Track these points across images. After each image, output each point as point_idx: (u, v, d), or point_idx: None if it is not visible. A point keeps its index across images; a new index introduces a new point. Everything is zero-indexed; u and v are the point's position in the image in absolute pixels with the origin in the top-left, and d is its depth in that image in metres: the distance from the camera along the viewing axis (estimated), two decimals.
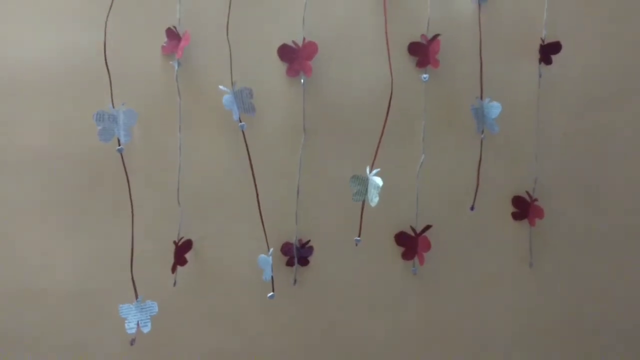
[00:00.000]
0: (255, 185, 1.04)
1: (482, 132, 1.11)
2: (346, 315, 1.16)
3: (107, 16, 0.97)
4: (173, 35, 1.02)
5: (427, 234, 1.12)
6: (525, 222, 1.17)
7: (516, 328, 1.21)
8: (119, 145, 0.98)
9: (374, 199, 0.99)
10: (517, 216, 1.17)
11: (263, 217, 1.05)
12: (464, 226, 1.16)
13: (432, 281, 1.17)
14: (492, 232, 1.18)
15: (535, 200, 1.15)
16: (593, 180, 1.19)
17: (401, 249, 1.14)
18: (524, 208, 1.16)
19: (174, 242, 1.06)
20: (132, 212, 1.02)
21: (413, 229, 1.13)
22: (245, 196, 1.06)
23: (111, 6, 0.97)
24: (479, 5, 1.09)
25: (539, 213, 1.15)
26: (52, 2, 1.00)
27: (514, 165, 1.16)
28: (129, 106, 1.00)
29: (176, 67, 1.02)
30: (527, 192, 1.16)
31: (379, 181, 0.98)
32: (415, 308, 1.18)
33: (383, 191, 0.99)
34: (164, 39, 1.02)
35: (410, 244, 1.13)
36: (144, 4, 1.02)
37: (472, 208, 1.14)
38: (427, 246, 1.12)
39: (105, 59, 0.97)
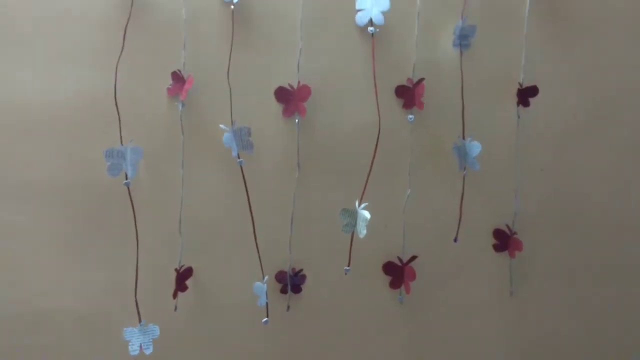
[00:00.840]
0: (252, 217, 1.07)
1: (464, 169, 1.13)
2: (337, 340, 1.17)
3: (118, 61, 1.01)
4: (178, 78, 1.05)
5: (413, 264, 1.14)
6: (506, 253, 1.18)
7: (497, 354, 1.23)
8: (126, 179, 1.01)
9: (362, 231, 1.02)
10: (498, 248, 1.18)
11: (259, 247, 1.08)
12: (448, 257, 1.18)
13: (418, 309, 1.19)
14: (474, 263, 1.19)
15: (515, 233, 1.17)
16: (569, 214, 1.21)
17: (388, 278, 1.16)
18: (504, 240, 1.18)
19: (176, 269, 1.08)
20: (137, 241, 1.04)
21: (400, 259, 1.14)
22: (243, 227, 1.08)
23: (122, 52, 1.01)
24: (461, 51, 1.11)
25: (519, 245, 1.16)
26: (68, 49, 1.03)
27: (495, 200, 1.17)
28: (136, 143, 1.03)
29: (180, 108, 1.05)
30: (507, 226, 1.17)
31: (367, 214, 1.01)
32: (402, 335, 1.19)
33: (371, 223, 1.01)
34: (169, 81, 1.05)
35: (397, 273, 1.15)
36: (151, 50, 1.05)
37: (455, 240, 1.16)
38: (413, 276, 1.14)
39: (115, 100, 1.01)
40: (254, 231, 1.08)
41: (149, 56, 1.05)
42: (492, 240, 1.19)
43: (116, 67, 1.01)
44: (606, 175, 1.21)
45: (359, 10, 1.08)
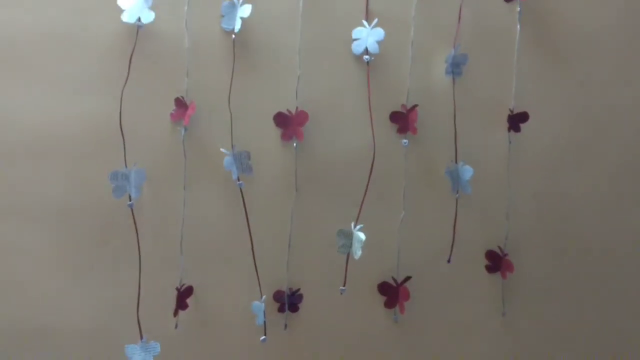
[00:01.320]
0: (251, 238, 1.10)
1: (457, 192, 1.15)
2: (333, 358, 1.18)
3: (123, 87, 1.04)
4: (181, 104, 1.08)
5: (407, 284, 1.16)
6: (498, 274, 1.20)
7: None
8: (130, 200, 1.04)
9: (357, 252, 1.03)
10: (490, 269, 1.20)
11: (257, 267, 1.10)
12: (441, 278, 1.19)
13: (413, 328, 1.20)
14: (467, 284, 1.21)
15: (506, 255, 1.19)
16: (560, 236, 1.23)
17: (383, 298, 1.17)
18: (496, 262, 1.20)
19: (176, 288, 1.10)
20: (140, 260, 1.06)
21: (394, 280, 1.16)
22: (242, 247, 1.10)
23: (127, 79, 1.04)
24: (453, 79, 1.15)
25: (510, 267, 1.18)
26: (76, 75, 1.06)
27: (487, 223, 1.19)
28: (140, 166, 1.06)
29: (183, 132, 1.08)
30: (499, 247, 1.19)
31: (362, 236, 1.03)
32: (397, 353, 1.20)
33: (367, 243, 1.03)
34: (172, 107, 1.08)
35: (392, 293, 1.16)
36: (156, 77, 1.08)
37: (448, 261, 1.18)
38: (407, 296, 1.16)
39: (121, 125, 1.04)
40: (253, 251, 1.10)
41: (153, 83, 1.09)
42: (485, 262, 1.21)
43: (122, 93, 1.05)
44: (595, 199, 1.23)
45: (355, 40, 1.12)
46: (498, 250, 1.20)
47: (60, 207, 1.09)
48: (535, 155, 1.21)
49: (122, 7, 1.04)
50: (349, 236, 1.07)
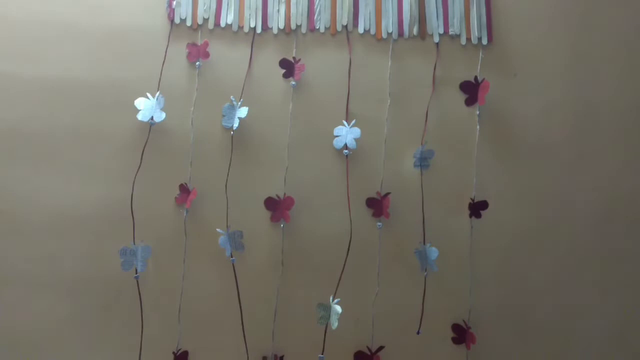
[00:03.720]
0: (240, 308, 1.20)
1: (425, 270, 1.25)
2: None
3: (136, 174, 1.19)
4: (185, 189, 1.22)
5: (380, 353, 1.24)
6: (463, 345, 1.27)
7: None
8: (136, 273, 1.17)
9: (334, 323, 1.13)
10: (455, 340, 1.28)
11: (246, 334, 1.21)
12: (411, 347, 1.27)
13: None
14: (435, 353, 1.28)
15: (470, 328, 1.26)
16: (517, 311, 1.30)
17: None
18: (461, 334, 1.27)
19: (173, 352, 1.20)
20: (142, 326, 1.18)
21: (369, 349, 1.24)
22: (232, 317, 1.21)
23: (139, 167, 1.19)
24: (421, 171, 1.27)
25: (473, 339, 1.25)
26: (96, 164, 1.21)
27: (452, 298, 1.28)
28: (146, 243, 1.19)
29: (185, 214, 1.21)
30: (464, 321, 1.27)
31: (339, 309, 1.13)
32: None
33: (344, 315, 1.14)
34: (177, 192, 1.22)
35: None
36: (164, 166, 1.22)
37: (418, 332, 1.26)
38: None
39: (131, 207, 1.18)
40: (242, 320, 1.21)
41: (161, 171, 1.23)
42: (451, 333, 1.29)
43: (134, 179, 1.19)
44: (547, 278, 1.32)
45: (336, 136, 1.27)
46: (462, 324, 1.29)
47: (74, 277, 1.21)
48: (494, 238, 1.31)
49: (138, 107, 1.21)
50: (327, 309, 1.18)
